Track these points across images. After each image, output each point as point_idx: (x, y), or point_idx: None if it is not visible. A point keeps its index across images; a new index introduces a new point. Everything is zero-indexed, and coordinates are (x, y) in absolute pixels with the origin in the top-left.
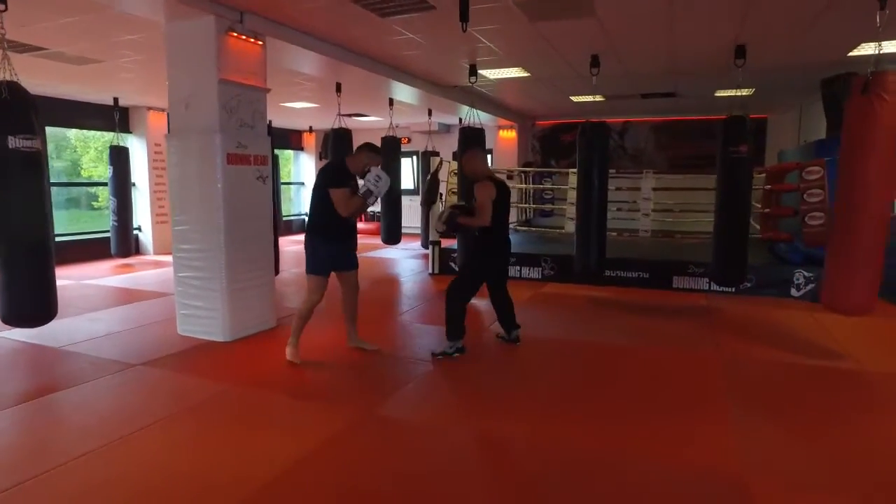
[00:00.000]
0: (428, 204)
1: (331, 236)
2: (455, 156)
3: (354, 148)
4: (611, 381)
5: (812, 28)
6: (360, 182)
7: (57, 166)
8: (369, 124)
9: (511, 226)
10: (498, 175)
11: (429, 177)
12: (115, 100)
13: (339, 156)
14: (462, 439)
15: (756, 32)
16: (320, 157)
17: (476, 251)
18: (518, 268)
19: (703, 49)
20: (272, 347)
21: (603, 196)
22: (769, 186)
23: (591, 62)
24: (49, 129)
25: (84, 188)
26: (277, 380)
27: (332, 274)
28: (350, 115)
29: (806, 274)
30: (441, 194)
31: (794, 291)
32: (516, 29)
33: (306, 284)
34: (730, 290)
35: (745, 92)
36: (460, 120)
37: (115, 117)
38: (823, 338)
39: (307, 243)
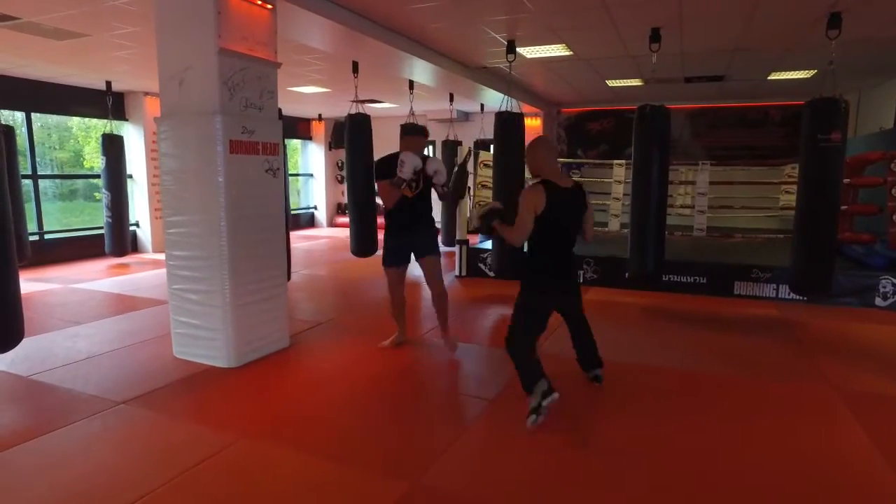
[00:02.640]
0: (454, 199)
1: (391, 228)
2: (477, 145)
3: (372, 136)
4: (706, 429)
5: None
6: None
7: (60, 157)
8: (383, 111)
9: None
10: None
11: (455, 169)
12: (108, 84)
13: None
14: None
15: None
16: (330, 146)
17: (523, 282)
18: None
19: (788, 18)
20: (286, 376)
21: (663, 191)
22: (847, 180)
23: (650, 37)
24: (52, 119)
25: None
26: (295, 427)
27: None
28: (363, 102)
29: (895, 281)
30: (469, 188)
31: (879, 301)
32: None
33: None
34: (801, 298)
35: (804, 74)
36: (482, 106)
37: (108, 103)
38: None
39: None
